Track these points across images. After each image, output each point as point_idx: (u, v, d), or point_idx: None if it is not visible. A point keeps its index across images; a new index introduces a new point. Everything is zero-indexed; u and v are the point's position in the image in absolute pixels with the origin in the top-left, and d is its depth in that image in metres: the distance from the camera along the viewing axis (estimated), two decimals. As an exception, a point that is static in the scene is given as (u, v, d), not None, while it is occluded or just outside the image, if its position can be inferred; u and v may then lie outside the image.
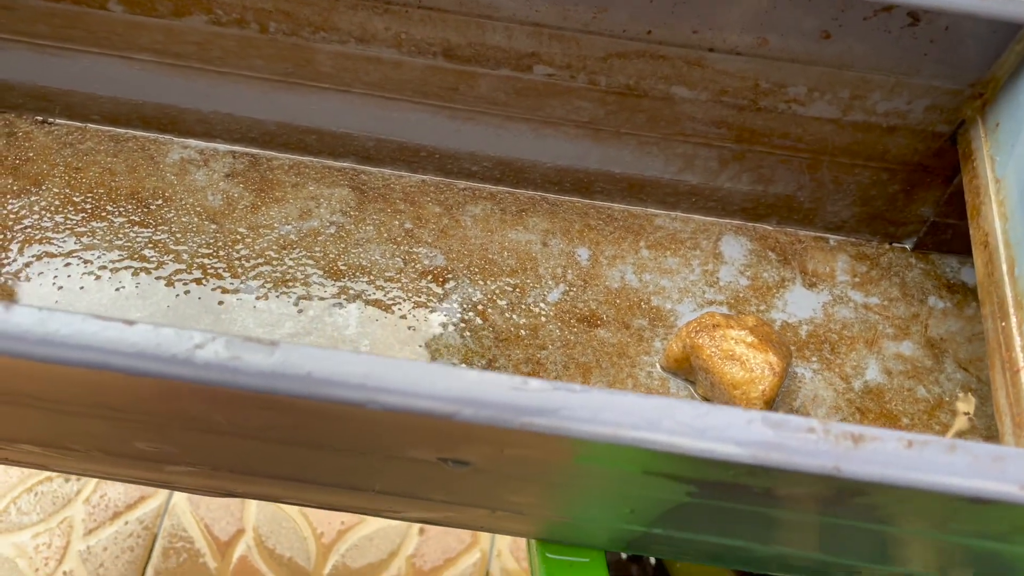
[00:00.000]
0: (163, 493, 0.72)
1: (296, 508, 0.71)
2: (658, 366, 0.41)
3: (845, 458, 0.23)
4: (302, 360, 0.23)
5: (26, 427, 0.30)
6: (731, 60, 0.38)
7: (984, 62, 0.36)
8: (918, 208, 0.44)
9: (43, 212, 0.42)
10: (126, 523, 0.71)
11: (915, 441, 0.23)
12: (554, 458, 0.25)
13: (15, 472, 0.70)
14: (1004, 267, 0.34)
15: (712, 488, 0.26)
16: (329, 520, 0.72)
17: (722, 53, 0.37)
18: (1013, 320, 0.33)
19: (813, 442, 0.23)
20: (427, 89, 0.41)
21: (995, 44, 0.36)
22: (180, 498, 0.72)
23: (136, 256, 0.41)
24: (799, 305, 0.43)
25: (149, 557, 0.69)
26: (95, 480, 0.71)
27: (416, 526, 0.71)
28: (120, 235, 0.42)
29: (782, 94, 0.39)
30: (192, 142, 0.44)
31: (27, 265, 0.40)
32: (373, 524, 0.71)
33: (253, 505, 0.71)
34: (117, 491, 0.72)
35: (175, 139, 0.44)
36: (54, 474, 0.71)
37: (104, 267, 0.41)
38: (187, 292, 0.41)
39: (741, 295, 0.44)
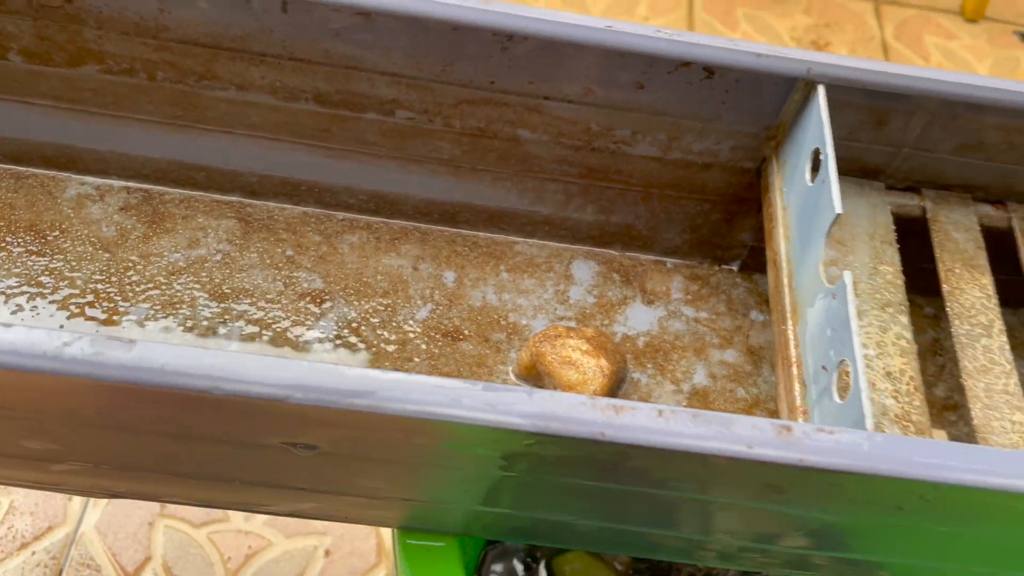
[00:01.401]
0: (71, 522, 0.73)
1: (204, 534, 0.73)
2: (511, 374, 0.46)
3: (608, 425, 0.28)
4: (157, 354, 0.27)
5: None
6: (564, 107, 0.44)
7: (774, 109, 0.43)
8: (739, 235, 0.50)
9: (-55, 243, 0.46)
10: (33, 553, 0.73)
11: (664, 411, 0.29)
12: (380, 437, 0.30)
13: (-82, 505, 0.71)
14: (786, 280, 0.40)
15: (515, 460, 0.31)
16: (236, 545, 0.74)
17: (556, 101, 0.44)
18: (790, 323, 0.39)
19: (582, 412, 0.28)
20: (303, 130, 0.46)
21: (779, 94, 0.42)
22: (88, 527, 0.74)
23: (33, 282, 0.45)
24: (638, 319, 0.49)
25: (56, 587, 0.71)
26: (2, 510, 0.72)
27: (321, 548, 0.74)
28: (18, 263, 0.46)
29: (611, 136, 0.45)
30: (89, 179, 0.49)
31: (-72, 291, 0.44)
32: (279, 548, 0.74)
33: (160, 532, 0.73)
34: (25, 522, 0.74)
35: (73, 176, 0.49)
36: (-42, 504, 0.72)
37: (2, 292, 0.44)
38: (80, 315, 0.44)
39: (588, 311, 0.49)
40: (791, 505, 0.32)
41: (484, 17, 0.39)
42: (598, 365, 0.43)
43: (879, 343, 0.40)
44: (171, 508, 0.74)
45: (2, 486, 0.73)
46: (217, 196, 0.49)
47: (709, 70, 0.41)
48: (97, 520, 0.74)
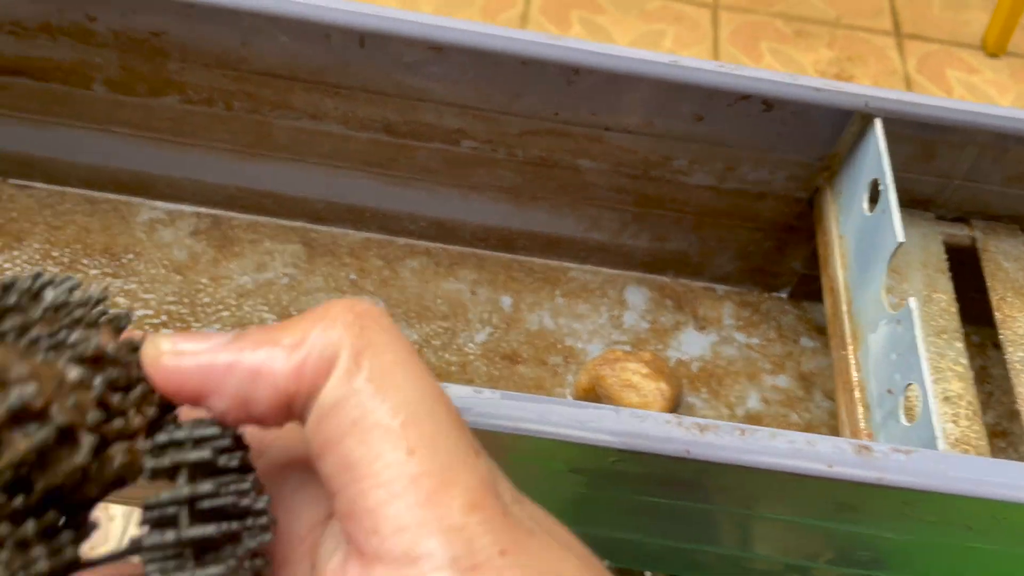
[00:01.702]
0: (112, 543, 0.74)
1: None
2: (569, 396, 0.47)
3: (694, 443, 0.29)
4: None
5: None
6: (624, 137, 0.45)
7: (829, 140, 0.45)
8: (790, 263, 0.51)
9: (24, 265, 0.47)
10: None
11: (746, 430, 0.30)
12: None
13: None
14: (844, 307, 0.42)
15: (595, 476, 0.32)
16: None
17: (616, 132, 0.45)
18: (850, 349, 0.40)
19: (669, 430, 0.30)
20: (370, 159, 0.48)
21: (835, 126, 0.44)
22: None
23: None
24: (691, 344, 0.50)
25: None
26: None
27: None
28: (95, 285, 0.47)
29: (668, 166, 0.47)
30: (161, 204, 0.50)
31: (10, 310, 0.45)
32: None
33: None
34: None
35: (146, 201, 0.50)
36: None
37: (79, 312, 0.46)
38: (155, 334, 0.46)
39: (642, 336, 0.51)
40: (861, 524, 0.33)
41: (553, 52, 0.41)
42: (658, 388, 0.44)
43: (936, 368, 0.41)
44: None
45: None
46: (283, 221, 0.51)
47: (768, 103, 0.43)
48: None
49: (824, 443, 0.30)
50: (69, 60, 0.44)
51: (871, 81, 1.37)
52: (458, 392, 0.30)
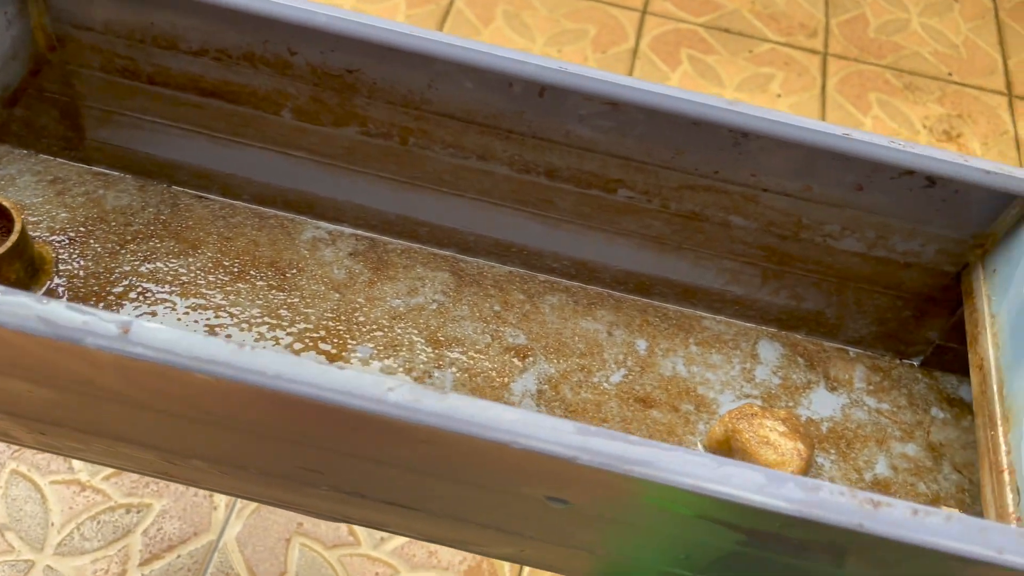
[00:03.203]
0: (215, 531, 0.78)
1: (335, 556, 0.77)
2: (700, 445, 0.49)
3: (867, 517, 0.31)
4: (465, 406, 0.31)
5: (202, 443, 0.38)
6: (780, 199, 0.47)
7: (986, 220, 0.45)
8: (926, 332, 0.52)
9: (198, 271, 0.51)
10: (178, 556, 0.78)
11: (919, 510, 0.31)
12: (638, 502, 0.33)
13: (81, 499, 0.77)
14: (995, 387, 0.42)
15: (758, 537, 0.33)
16: (364, 571, 0.78)
17: (774, 193, 0.46)
18: (1000, 430, 0.41)
19: (842, 502, 0.31)
20: (527, 199, 0.50)
21: (995, 207, 0.44)
22: (230, 537, 0.78)
23: (272, 314, 0.50)
24: (822, 404, 0.51)
25: (195, 591, 0.75)
26: (155, 512, 0.77)
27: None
28: (260, 296, 0.50)
29: (819, 229, 0.48)
30: (324, 224, 0.53)
31: (185, 314, 0.49)
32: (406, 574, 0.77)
33: (296, 549, 0.77)
34: (173, 526, 0.78)
35: (309, 220, 0.53)
36: (117, 504, 0.77)
37: (246, 321, 0.49)
38: (313, 348, 0.49)
39: (773, 392, 0.52)
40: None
41: (726, 116, 0.43)
42: (795, 448, 0.45)
43: (1085, 458, 0.41)
44: (307, 527, 0.78)
45: (158, 487, 0.78)
46: (435, 250, 0.53)
47: (931, 179, 0.44)
48: (239, 532, 0.78)
49: (995, 530, 0.31)
50: (265, 88, 0.47)
51: (980, 141, 1.35)
52: (648, 446, 0.31)
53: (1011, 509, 0.38)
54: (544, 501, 0.34)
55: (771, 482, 0.31)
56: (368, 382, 0.31)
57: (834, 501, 0.31)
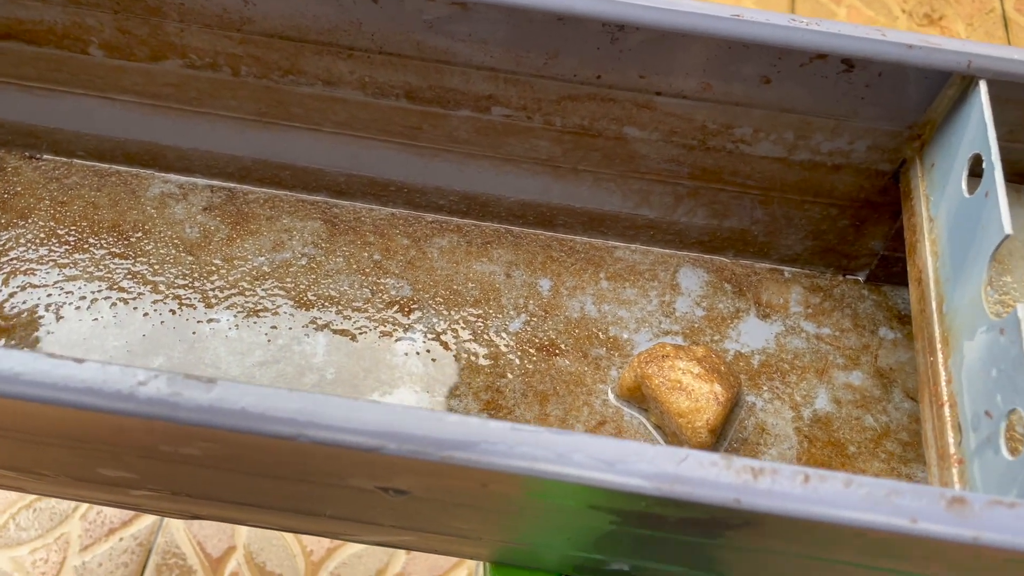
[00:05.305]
0: (156, 510, 0.73)
1: (283, 526, 0.72)
2: (611, 394, 0.42)
3: (745, 490, 0.24)
4: (238, 396, 0.25)
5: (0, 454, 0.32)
6: (678, 103, 0.39)
7: (920, 106, 0.38)
8: (868, 242, 0.45)
9: (28, 244, 0.44)
10: (120, 539, 0.73)
11: (812, 475, 0.25)
12: (478, 489, 0.27)
13: (12, 489, 0.72)
14: (934, 304, 0.35)
15: (631, 517, 0.27)
16: (318, 539, 0.73)
17: (669, 97, 0.39)
18: (940, 356, 0.34)
19: (715, 474, 0.25)
20: (393, 128, 0.43)
21: (928, 89, 0.37)
22: (172, 515, 0.74)
23: (115, 287, 0.43)
24: (753, 335, 0.45)
25: (143, 573, 0.71)
26: (89, 497, 0.73)
27: (401, 545, 0.73)
28: (101, 267, 0.44)
29: (729, 135, 0.41)
30: (172, 177, 0.47)
31: (11, 295, 0.43)
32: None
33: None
34: (113, 509, 0.74)
35: (156, 174, 0.47)
36: (49, 491, 0.73)
37: (84, 297, 0.43)
38: (162, 322, 0.43)
39: (696, 325, 0.45)
40: (948, 576, 0.28)
41: (593, 6, 0.35)
42: (712, 391, 0.39)
43: (1044, 379, 0.35)
44: (253, 499, 0.74)
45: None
46: (303, 196, 0.47)
47: (849, 63, 0.36)
48: (182, 508, 0.74)
49: (906, 493, 0.25)
50: (61, 23, 0.40)
51: (964, 22, 1.25)
52: (466, 423, 0.25)
53: (952, 450, 0.32)
54: (380, 493, 0.29)
55: (624, 455, 0.25)
56: (113, 375, 0.25)
57: (701, 475, 0.25)
